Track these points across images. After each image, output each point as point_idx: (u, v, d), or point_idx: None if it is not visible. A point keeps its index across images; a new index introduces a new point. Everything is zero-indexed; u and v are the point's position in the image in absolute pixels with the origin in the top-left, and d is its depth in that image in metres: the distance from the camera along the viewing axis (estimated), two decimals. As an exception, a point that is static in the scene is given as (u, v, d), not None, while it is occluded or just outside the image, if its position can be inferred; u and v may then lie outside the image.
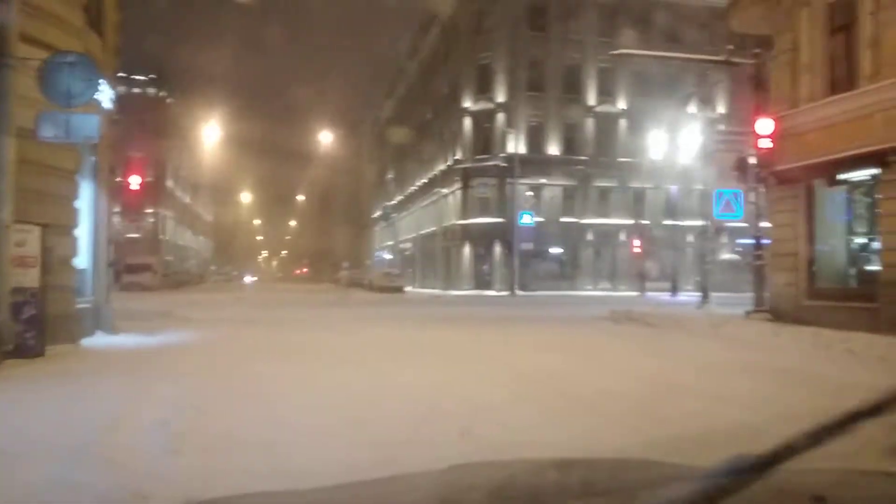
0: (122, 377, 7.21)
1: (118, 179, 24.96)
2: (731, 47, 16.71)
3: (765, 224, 14.78)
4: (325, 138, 62.75)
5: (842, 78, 12.38)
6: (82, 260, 10.56)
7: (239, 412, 5.45)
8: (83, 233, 10.41)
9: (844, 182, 12.39)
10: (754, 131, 13.79)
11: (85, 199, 10.55)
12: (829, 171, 12.28)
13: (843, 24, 12.44)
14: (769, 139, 13.40)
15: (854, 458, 4.12)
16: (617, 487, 1.56)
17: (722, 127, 28.80)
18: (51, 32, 8.71)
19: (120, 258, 33.73)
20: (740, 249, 36.59)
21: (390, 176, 63.13)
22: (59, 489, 3.60)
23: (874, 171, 11.44)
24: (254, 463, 3.95)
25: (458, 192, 41.94)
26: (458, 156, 42.56)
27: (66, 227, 9.44)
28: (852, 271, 12.51)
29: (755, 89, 15.22)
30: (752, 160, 14.54)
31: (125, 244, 43.09)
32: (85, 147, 9.90)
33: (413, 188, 55.22)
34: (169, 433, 4.64)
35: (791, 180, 13.00)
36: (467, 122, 42.03)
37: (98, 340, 10.22)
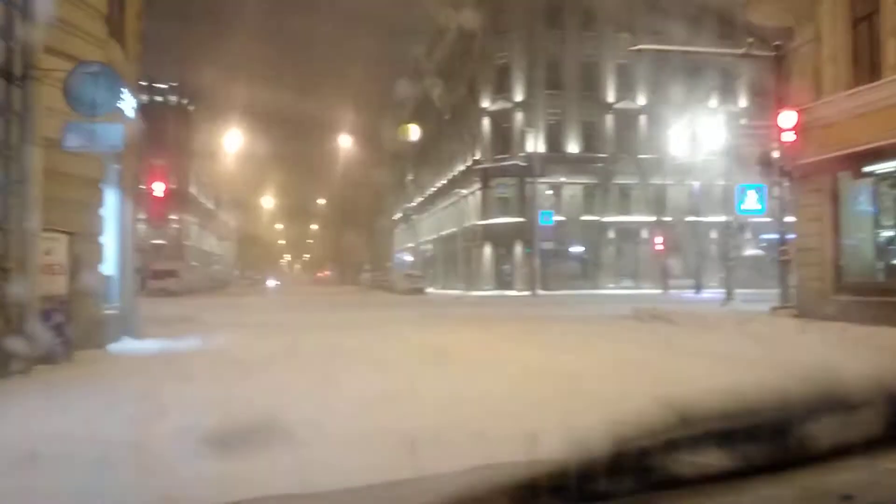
0: (150, 382, 7.29)
1: (142, 187, 25.27)
2: (751, 40, 16.50)
3: (789, 219, 14.58)
4: (345, 142, 63.10)
5: (866, 68, 12.17)
6: (109, 266, 10.70)
7: (260, 414, 5.49)
8: (109, 240, 10.54)
9: (870, 174, 12.18)
10: (777, 124, 13.62)
11: (110, 206, 10.70)
12: (855, 163, 12.07)
13: (866, 14, 12.24)
14: (792, 132, 13.23)
15: (884, 455, 4.06)
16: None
17: (744, 121, 28.52)
18: (74, 43, 8.85)
19: (146, 264, 34.20)
20: (765, 245, 36.12)
21: (410, 177, 63.29)
22: (88, 495, 3.65)
23: (901, 162, 11.25)
24: (279, 465, 3.98)
25: (478, 193, 41.93)
26: (478, 156, 42.54)
27: (92, 234, 9.58)
28: (880, 265, 12.29)
29: (777, 82, 15.04)
30: (776, 154, 14.36)
31: (150, 250, 43.64)
32: (109, 156, 10.04)
33: (433, 189, 55.29)
34: (195, 436, 4.69)
35: (816, 173, 12.80)
36: (486, 122, 42.00)
37: (125, 346, 10.34)
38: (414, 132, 51.23)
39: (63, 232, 8.55)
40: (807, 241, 13.24)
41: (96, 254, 9.78)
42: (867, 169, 12.08)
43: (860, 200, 12.69)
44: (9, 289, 7.69)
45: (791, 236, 14.38)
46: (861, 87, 11.91)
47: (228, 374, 7.77)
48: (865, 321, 10.55)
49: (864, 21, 12.28)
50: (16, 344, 7.54)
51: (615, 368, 8.07)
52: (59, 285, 8.53)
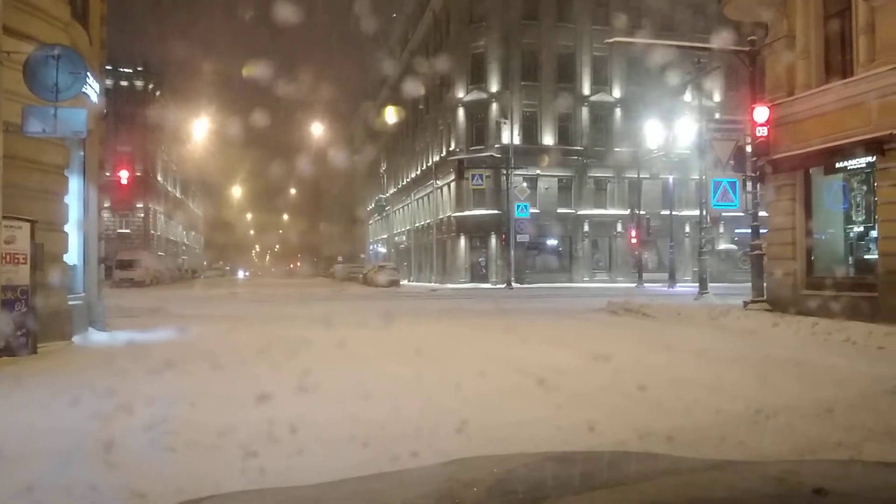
0: (115, 374, 7.12)
1: (107, 174, 24.78)
2: (725, 34, 16.61)
3: (763, 213, 14.73)
4: (317, 130, 62.62)
5: (837, 65, 12.32)
6: (73, 256, 10.44)
7: (231, 409, 5.37)
8: (73, 229, 10.28)
9: (842, 170, 12.33)
10: (751, 119, 13.72)
11: (74, 194, 10.42)
12: (826, 159, 12.22)
13: (837, 10, 12.38)
14: (765, 127, 13.33)
15: (854, 449, 4.03)
16: (617, 481, 1.51)
17: (718, 115, 28.80)
18: (36, 25, 8.58)
19: (110, 254, 33.58)
20: (738, 239, 36.60)
21: (383, 168, 63.01)
22: (55, 489, 3.54)
23: (871, 158, 11.38)
24: (247, 459, 3.88)
25: (453, 184, 41.84)
26: (452, 147, 42.43)
27: (55, 223, 9.33)
28: (851, 260, 12.47)
29: (751, 77, 15.14)
30: (749, 149, 14.48)
31: (116, 240, 42.96)
32: (73, 142, 9.78)
33: (407, 180, 55.10)
34: (163, 430, 4.58)
35: (788, 169, 12.94)
36: (461, 113, 41.87)
37: (90, 337, 10.14)
38: (395, 113, 51.13)
39: (25, 220, 8.30)
40: (779, 235, 13.38)
41: (60, 243, 9.53)
42: (838, 165, 12.22)
43: (832, 196, 12.85)
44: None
45: (764, 231, 14.52)
46: (833, 84, 12.04)
47: (197, 369, 7.59)
48: (836, 315, 10.71)
49: (837, 18, 12.41)
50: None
51: (594, 364, 8.05)
52: (21, 275, 8.28)
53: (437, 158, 45.72)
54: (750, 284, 14.75)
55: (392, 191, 60.08)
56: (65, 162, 9.61)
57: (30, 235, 8.35)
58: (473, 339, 10.87)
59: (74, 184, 10.42)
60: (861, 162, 11.78)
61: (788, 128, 12.89)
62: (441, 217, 44.51)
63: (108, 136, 13.30)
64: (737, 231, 35.95)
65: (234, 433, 4.52)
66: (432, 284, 41.37)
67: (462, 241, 41.58)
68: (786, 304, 12.71)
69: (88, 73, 8.84)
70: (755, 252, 14.70)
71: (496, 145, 39.60)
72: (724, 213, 25.24)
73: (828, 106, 11.91)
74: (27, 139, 8.22)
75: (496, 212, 38.84)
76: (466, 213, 40.84)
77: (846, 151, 11.63)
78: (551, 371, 7.22)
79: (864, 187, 12.05)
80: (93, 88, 10.09)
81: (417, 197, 51.45)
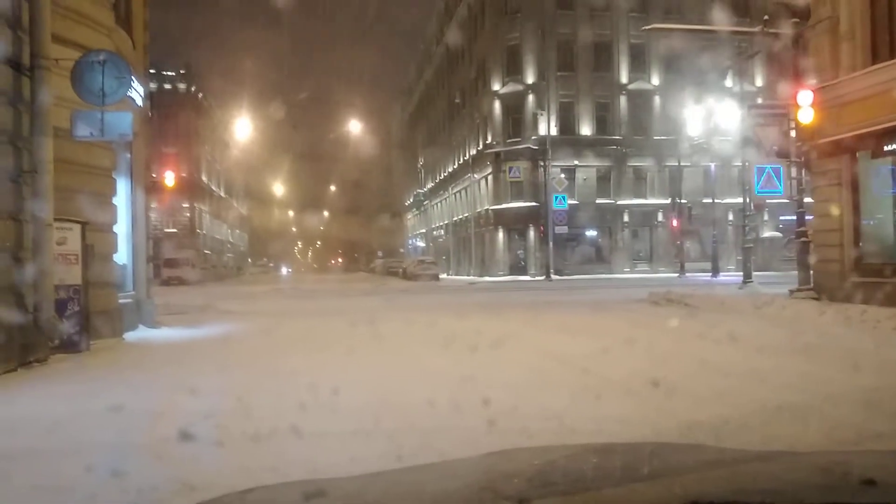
0: (166, 370, 7.32)
1: (153, 176, 25.37)
2: (767, 17, 16.21)
3: (808, 199, 14.37)
4: (355, 127, 62.99)
5: (884, 46, 11.92)
6: (122, 256, 10.74)
7: (280, 404, 5.47)
8: (122, 229, 10.58)
9: (890, 153, 11.94)
10: (794, 103, 13.38)
11: (122, 196, 10.72)
12: (874, 142, 11.84)
13: (884, -11, 11.98)
14: (810, 111, 12.99)
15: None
16: (659, 472, 1.50)
17: (760, 100, 28.08)
18: (81, 32, 8.82)
19: (158, 253, 34.44)
20: (783, 227, 35.71)
21: (421, 163, 63.11)
22: (105, 480, 3.64)
23: (921, 141, 11.02)
24: (296, 452, 3.97)
25: (490, 177, 41.72)
26: (489, 140, 42.28)
27: (105, 224, 9.60)
28: (900, 246, 12.10)
29: (794, 60, 14.75)
30: (793, 133, 14.12)
31: (163, 239, 43.98)
32: (120, 145, 10.04)
33: (444, 174, 55.10)
34: (211, 423, 4.68)
35: (834, 153, 12.59)
36: (497, 105, 41.68)
37: (141, 334, 10.41)
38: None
39: (76, 222, 8.57)
40: (825, 222, 13.04)
41: (110, 243, 9.81)
42: (887, 148, 11.84)
43: (880, 180, 12.47)
44: (24, 279, 7.71)
45: (810, 217, 14.17)
46: (880, 65, 11.66)
47: (244, 363, 7.76)
48: (884, 302, 10.41)
49: (883, -3, 12.01)
50: (32, 333, 7.59)
51: (639, 354, 7.99)
52: (73, 275, 8.56)
53: (473, 152, 45.63)
54: (795, 273, 14.41)
55: (430, 185, 60.16)
56: (112, 164, 9.88)
57: (81, 236, 8.63)
58: (521, 333, 10.79)
59: (122, 185, 10.72)
60: (910, 144, 11.41)
61: (833, 111, 12.54)
62: (479, 210, 44.44)
63: (153, 139, 13.63)
64: (781, 218, 35.05)
65: (280, 426, 4.62)
66: (471, 277, 41.37)
67: (500, 234, 41.46)
68: (833, 291, 12.39)
69: (133, 77, 9.08)
70: (801, 239, 14.34)
71: (533, 137, 39.33)
72: (768, 200, 24.65)
73: (874, 88, 11.54)
74: (76, 143, 8.47)
75: (534, 204, 38.61)
76: (504, 205, 40.70)
77: (893, 134, 11.27)
78: (588, 359, 7.19)
79: (915, 170, 11.67)
80: (137, 92, 10.37)
81: (455, 191, 51.44)
